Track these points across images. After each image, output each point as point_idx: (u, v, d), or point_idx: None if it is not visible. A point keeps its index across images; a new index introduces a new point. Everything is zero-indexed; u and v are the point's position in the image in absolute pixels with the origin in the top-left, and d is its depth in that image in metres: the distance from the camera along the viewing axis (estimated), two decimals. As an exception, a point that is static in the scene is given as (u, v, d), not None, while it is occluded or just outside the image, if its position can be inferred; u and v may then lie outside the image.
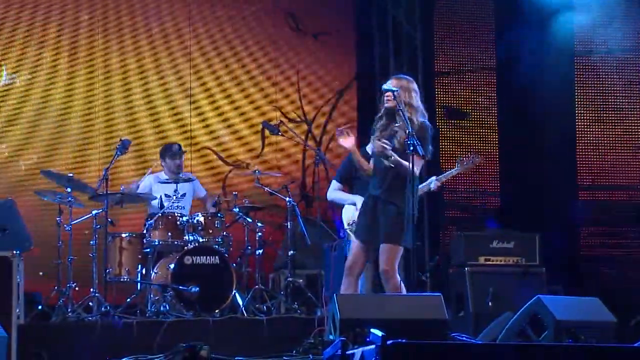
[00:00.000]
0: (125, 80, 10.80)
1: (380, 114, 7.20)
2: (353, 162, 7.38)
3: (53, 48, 10.60)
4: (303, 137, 10.94)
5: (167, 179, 9.24)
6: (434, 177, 8.44)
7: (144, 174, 9.55)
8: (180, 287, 8.42)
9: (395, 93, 7.00)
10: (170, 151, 9.43)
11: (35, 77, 10.52)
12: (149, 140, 10.78)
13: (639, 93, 11.43)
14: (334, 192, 8.22)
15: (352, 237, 7.41)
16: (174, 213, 8.87)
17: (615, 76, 11.51)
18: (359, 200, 7.68)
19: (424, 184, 8.39)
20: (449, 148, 11.30)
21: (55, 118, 10.55)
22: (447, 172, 8.57)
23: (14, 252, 7.11)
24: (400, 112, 6.97)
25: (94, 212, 8.70)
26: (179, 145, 9.59)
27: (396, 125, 7.06)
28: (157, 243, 8.75)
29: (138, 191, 9.20)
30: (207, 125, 11.05)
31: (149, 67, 10.90)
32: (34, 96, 10.51)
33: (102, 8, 10.75)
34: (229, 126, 11.09)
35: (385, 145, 6.96)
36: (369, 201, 7.18)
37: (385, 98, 7.10)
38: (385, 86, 7.12)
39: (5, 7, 10.47)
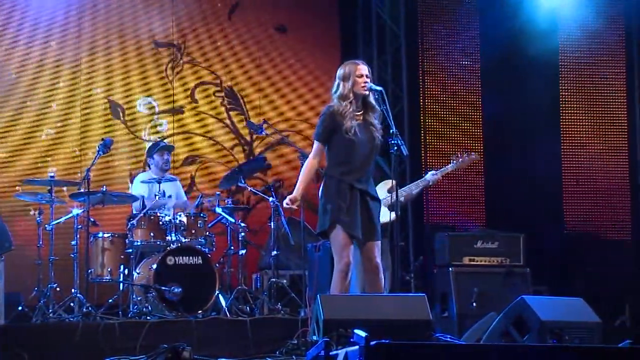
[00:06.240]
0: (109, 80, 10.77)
1: (350, 99, 6.87)
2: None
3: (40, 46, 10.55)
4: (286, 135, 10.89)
5: (151, 179, 9.20)
6: (431, 171, 8.39)
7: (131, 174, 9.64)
8: (163, 288, 8.37)
9: (382, 93, 6.93)
10: (157, 146, 9.51)
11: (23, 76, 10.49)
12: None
13: (624, 88, 11.45)
14: None
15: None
16: (156, 213, 8.83)
17: (600, 69, 11.55)
18: None
19: (419, 180, 8.34)
20: (435, 144, 11.29)
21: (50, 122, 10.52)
22: (443, 168, 8.49)
23: (-6, 252, 7.06)
24: (384, 112, 6.91)
25: (75, 212, 8.63)
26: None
27: (372, 121, 6.97)
28: (139, 243, 8.69)
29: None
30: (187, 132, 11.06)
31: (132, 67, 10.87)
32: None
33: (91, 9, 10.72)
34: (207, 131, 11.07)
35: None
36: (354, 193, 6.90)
37: (372, 95, 6.96)
38: (373, 86, 6.99)
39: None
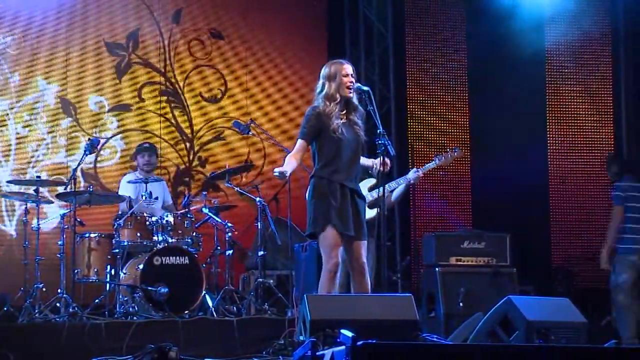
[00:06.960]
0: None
1: (336, 100, 6.87)
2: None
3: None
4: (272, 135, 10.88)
5: (137, 179, 9.22)
6: (414, 169, 8.42)
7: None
8: (150, 288, 8.35)
9: (369, 93, 6.92)
10: (140, 148, 9.58)
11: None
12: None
13: (610, 86, 11.49)
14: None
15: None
16: (143, 213, 8.82)
17: (586, 68, 11.59)
18: None
19: (401, 178, 8.38)
20: (421, 144, 11.30)
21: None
22: (427, 165, 8.55)
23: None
24: (371, 113, 6.90)
25: (62, 212, 8.61)
26: (151, 144, 9.76)
27: (356, 120, 6.97)
28: (126, 243, 8.67)
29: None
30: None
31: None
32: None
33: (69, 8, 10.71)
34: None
35: None
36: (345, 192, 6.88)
37: (357, 95, 6.97)
38: (361, 86, 6.98)
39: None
